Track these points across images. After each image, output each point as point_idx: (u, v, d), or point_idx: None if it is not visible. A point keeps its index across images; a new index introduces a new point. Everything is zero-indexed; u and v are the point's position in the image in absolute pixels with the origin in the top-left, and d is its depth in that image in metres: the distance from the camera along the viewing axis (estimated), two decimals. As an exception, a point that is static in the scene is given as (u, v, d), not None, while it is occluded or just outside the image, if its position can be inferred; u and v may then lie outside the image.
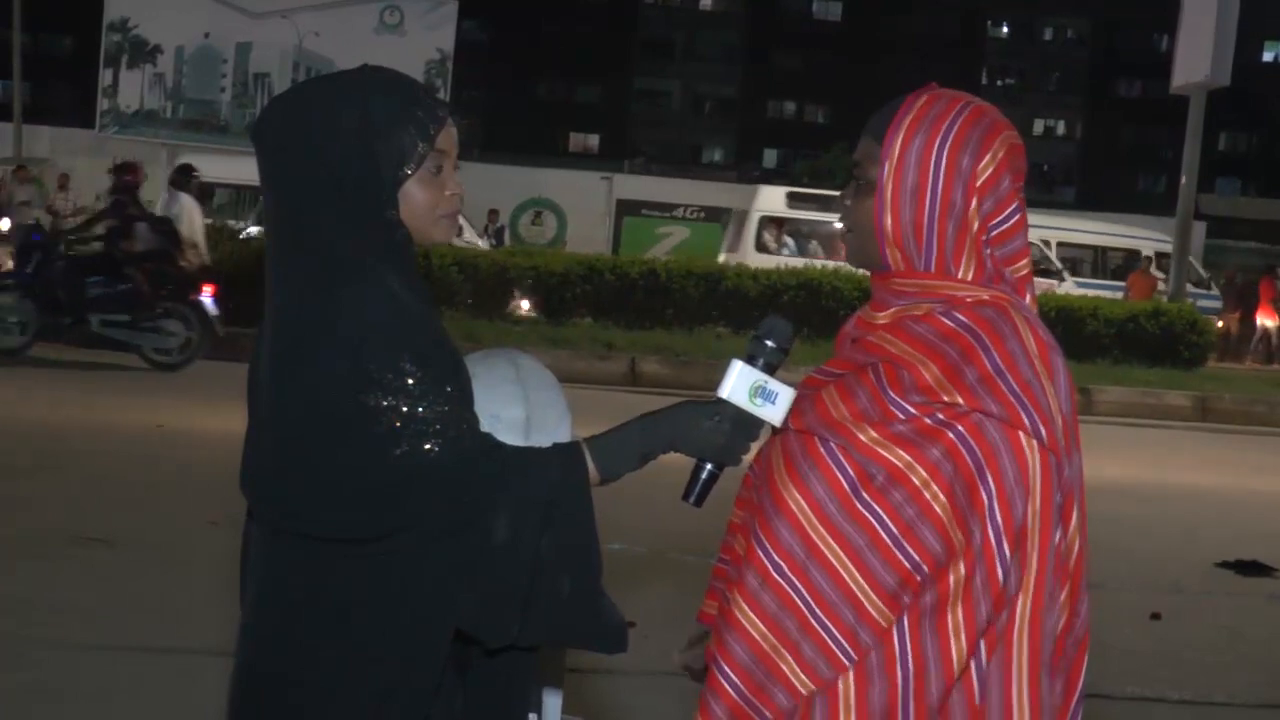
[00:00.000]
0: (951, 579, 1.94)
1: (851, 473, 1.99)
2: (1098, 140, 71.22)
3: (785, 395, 2.04)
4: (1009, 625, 1.97)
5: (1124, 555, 8.07)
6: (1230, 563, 8.47)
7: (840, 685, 1.96)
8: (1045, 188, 64.36)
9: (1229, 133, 65.95)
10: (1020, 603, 1.97)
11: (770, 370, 2.05)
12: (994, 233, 2.08)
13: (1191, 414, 16.03)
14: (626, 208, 35.29)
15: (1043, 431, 1.96)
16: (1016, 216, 2.10)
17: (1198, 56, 18.71)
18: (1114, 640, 6.38)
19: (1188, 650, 6.75)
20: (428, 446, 1.94)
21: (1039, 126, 71.87)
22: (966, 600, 1.94)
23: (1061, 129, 74.10)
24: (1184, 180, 19.37)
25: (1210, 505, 10.68)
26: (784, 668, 2.00)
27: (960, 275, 2.07)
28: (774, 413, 2.04)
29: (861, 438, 1.99)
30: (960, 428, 1.96)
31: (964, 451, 1.95)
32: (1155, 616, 7.12)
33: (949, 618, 1.94)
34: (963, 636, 1.94)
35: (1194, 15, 18.99)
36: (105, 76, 33.69)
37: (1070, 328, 17.67)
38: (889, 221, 2.06)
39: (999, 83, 70.61)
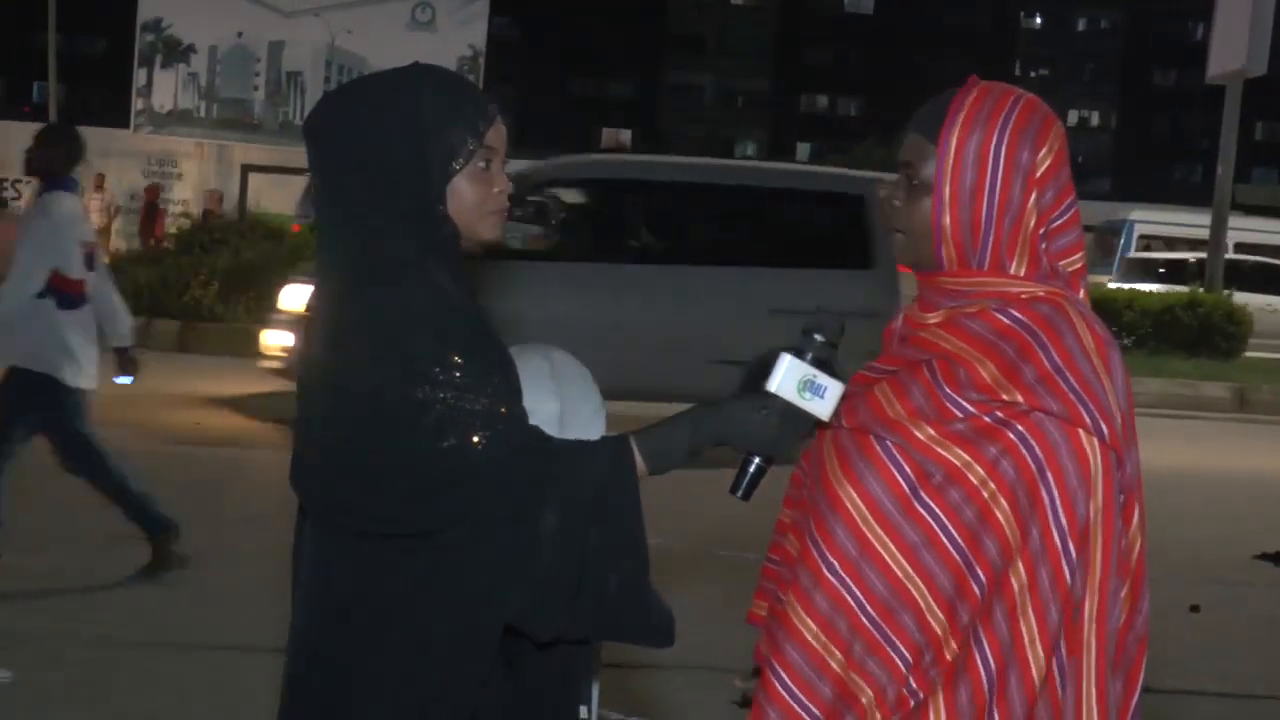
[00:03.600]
0: (1014, 584, 1.93)
1: (909, 471, 1.97)
2: (1132, 130, 70.85)
3: (834, 390, 2.02)
4: (1078, 627, 1.95)
5: (1162, 548, 7.99)
6: (1269, 554, 8.42)
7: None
8: (1080, 178, 63.67)
9: (1266, 122, 65.47)
10: (1088, 604, 1.96)
11: (819, 364, 2.03)
12: (1052, 225, 2.05)
13: (1229, 405, 15.90)
14: (660, 202, 35.21)
15: (1104, 429, 1.94)
16: (1074, 209, 2.07)
17: (1234, 45, 18.57)
18: (1153, 632, 6.34)
19: (1227, 642, 6.71)
20: (476, 439, 1.94)
21: (1073, 117, 71.48)
22: (1036, 604, 1.92)
23: (1096, 120, 73.74)
24: (1220, 170, 19.24)
25: (1248, 497, 10.61)
26: (834, 666, 1.98)
27: (1014, 271, 2.04)
28: (822, 407, 2.01)
29: (919, 435, 1.97)
30: (1020, 427, 1.94)
31: (1024, 451, 1.93)
32: (1194, 609, 7.08)
33: (1022, 626, 1.93)
34: (1038, 645, 1.93)
35: (1230, 3, 18.86)
36: (139, 77, 33.83)
37: (1107, 319, 17.38)
38: (948, 221, 2.03)
39: (1032, 74, 70.31)
